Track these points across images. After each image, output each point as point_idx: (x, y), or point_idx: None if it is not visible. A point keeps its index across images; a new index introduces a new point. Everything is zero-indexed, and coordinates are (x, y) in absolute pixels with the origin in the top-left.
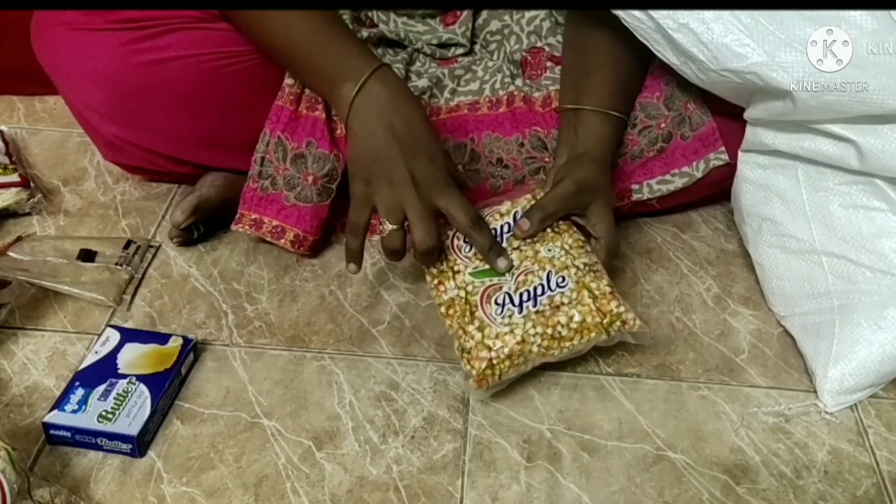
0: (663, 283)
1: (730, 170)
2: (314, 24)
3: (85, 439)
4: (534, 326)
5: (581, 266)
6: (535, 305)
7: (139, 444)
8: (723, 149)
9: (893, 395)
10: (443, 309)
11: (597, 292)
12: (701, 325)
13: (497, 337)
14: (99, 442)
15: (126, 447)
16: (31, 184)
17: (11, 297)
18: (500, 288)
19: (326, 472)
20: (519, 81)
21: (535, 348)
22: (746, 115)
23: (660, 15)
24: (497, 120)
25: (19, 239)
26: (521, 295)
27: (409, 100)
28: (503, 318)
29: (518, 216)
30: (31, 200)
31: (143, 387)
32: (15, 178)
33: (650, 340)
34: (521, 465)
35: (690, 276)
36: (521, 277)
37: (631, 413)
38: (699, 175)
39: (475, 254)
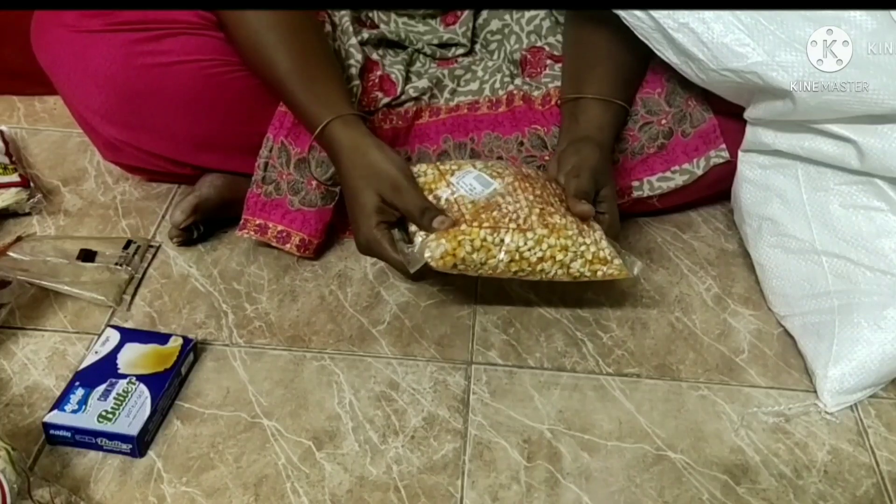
0: (663, 283)
1: (730, 169)
2: (293, 63)
3: (85, 439)
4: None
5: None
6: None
7: (139, 444)
8: (723, 146)
9: (893, 395)
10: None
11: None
12: (701, 325)
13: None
14: (99, 442)
15: (126, 447)
16: (31, 184)
17: (11, 297)
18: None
19: (326, 472)
20: (518, 80)
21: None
22: (746, 114)
23: (660, 14)
24: (497, 119)
25: (19, 239)
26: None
27: (356, 150)
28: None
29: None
30: (31, 200)
31: (143, 387)
32: (15, 178)
33: (633, 277)
34: (521, 465)
35: (690, 276)
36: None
37: (631, 413)
38: (700, 172)
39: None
